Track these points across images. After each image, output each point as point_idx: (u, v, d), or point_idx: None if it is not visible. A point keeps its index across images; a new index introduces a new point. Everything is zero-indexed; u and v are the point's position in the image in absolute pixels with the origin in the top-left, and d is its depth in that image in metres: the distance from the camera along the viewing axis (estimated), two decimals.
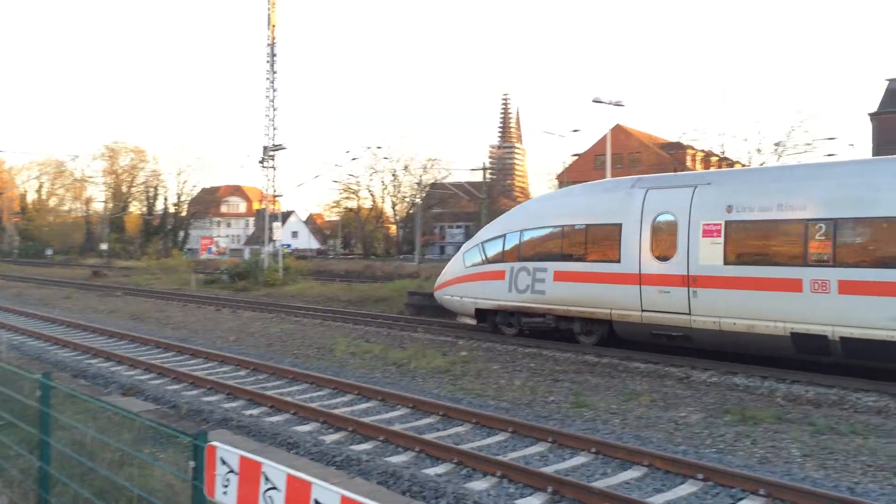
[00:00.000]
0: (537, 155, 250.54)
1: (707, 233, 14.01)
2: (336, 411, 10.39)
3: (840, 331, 12.17)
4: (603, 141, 39.12)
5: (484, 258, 18.34)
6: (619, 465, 8.08)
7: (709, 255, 13.93)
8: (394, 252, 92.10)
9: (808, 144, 58.14)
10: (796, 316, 12.69)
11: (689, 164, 77.17)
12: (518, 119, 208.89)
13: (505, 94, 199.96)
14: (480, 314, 18.68)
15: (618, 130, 76.76)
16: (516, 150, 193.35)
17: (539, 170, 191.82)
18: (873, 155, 54.87)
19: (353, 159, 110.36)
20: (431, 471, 7.91)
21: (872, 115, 56.20)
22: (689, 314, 14.16)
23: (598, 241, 16.00)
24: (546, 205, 18.31)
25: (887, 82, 56.03)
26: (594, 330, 16.39)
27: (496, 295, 17.91)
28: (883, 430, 9.78)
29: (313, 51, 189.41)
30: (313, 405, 10.77)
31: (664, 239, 14.74)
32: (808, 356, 13.08)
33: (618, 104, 35.04)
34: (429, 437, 9.08)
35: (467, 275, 18.72)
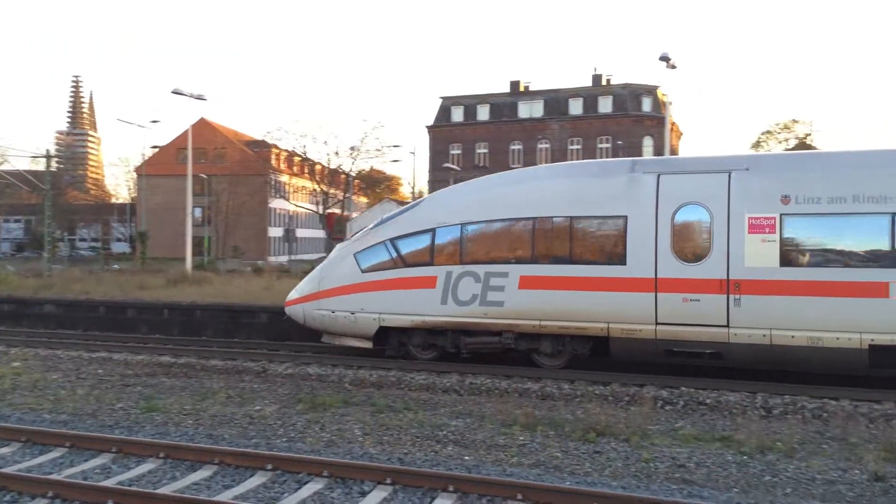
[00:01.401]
0: (114, 145, 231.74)
1: (755, 228, 11.84)
2: None
3: None
4: (186, 134, 37.80)
5: (397, 260, 14.09)
6: (189, 467, 7.87)
7: (758, 255, 11.78)
8: None
9: (378, 150, 63.56)
10: (878, 326, 11.11)
11: (273, 162, 78.72)
12: (92, 104, 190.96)
13: (76, 76, 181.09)
14: (381, 334, 14.44)
15: (202, 125, 74.82)
16: (90, 139, 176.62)
17: (116, 161, 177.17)
18: (430, 162, 62.39)
19: None
20: None
21: (429, 128, 63.75)
22: (728, 326, 11.90)
23: (589, 238, 13.00)
24: (502, 191, 14.07)
25: (441, 100, 64.08)
26: (566, 350, 13.38)
27: (421, 308, 13.85)
28: (430, 405, 11.14)
29: None
30: None
31: (691, 235, 12.31)
32: (884, 371, 11.65)
33: (200, 97, 34.16)
34: None
35: (365, 282, 14.26)
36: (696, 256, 12.17)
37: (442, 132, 62.97)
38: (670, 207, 12.38)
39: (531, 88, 63.59)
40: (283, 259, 62.23)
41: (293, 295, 15.46)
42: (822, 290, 11.40)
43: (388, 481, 7.15)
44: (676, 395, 11.41)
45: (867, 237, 11.45)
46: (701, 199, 12.25)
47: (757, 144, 58.74)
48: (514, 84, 63.70)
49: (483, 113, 62.64)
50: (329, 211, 72.04)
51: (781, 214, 11.72)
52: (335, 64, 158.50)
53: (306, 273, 19.19)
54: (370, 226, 15.14)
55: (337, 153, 68.73)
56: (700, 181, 12.40)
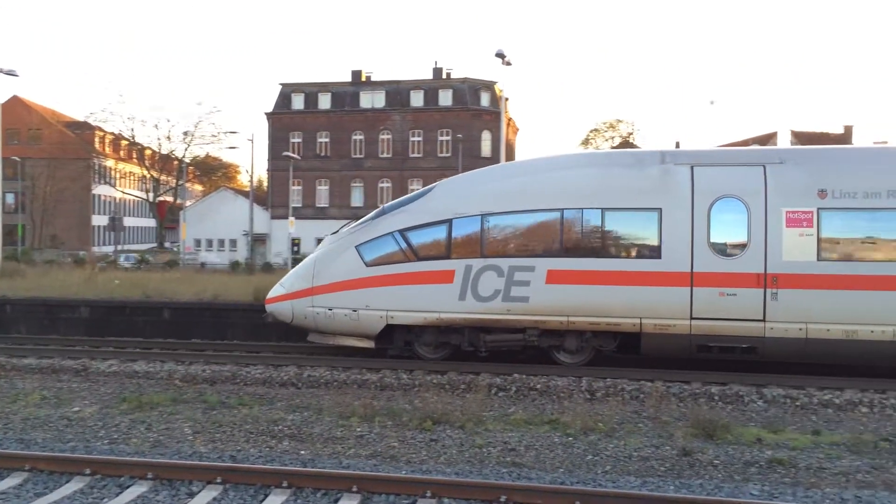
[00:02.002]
0: None
1: (793, 222, 11.91)
2: None
3: None
4: None
5: (408, 253, 13.11)
6: None
7: (796, 249, 11.86)
8: None
9: (214, 136, 61.25)
10: None
11: (97, 145, 73.87)
12: None
13: None
14: (385, 333, 13.36)
15: (15, 103, 68.94)
16: None
17: None
18: (270, 149, 60.86)
19: None
20: None
21: (269, 115, 62.16)
22: (764, 321, 11.92)
23: (622, 231, 12.62)
24: (526, 180, 13.36)
25: (280, 87, 62.61)
26: (589, 346, 12.95)
27: (435, 305, 12.95)
28: (266, 399, 10.90)
29: None
30: None
31: (728, 229, 12.17)
32: None
33: (10, 73, 31.27)
34: None
35: (370, 277, 13.20)
36: (733, 250, 12.12)
37: (282, 119, 61.52)
38: (706, 200, 12.24)
39: (373, 79, 63.50)
40: (109, 249, 58.45)
41: (278, 291, 14.00)
42: (858, 284, 11.61)
43: (219, 480, 6.91)
44: (510, 381, 11.84)
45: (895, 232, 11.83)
46: (737, 192, 12.18)
47: (586, 141, 62.12)
48: (356, 74, 63.35)
49: (324, 101, 61.81)
50: (160, 199, 68.50)
51: (818, 209, 11.85)
52: (167, 45, 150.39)
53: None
54: (369, 216, 14.02)
55: (169, 138, 65.59)
56: (735, 174, 12.37)
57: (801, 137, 52.00)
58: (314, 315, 13.49)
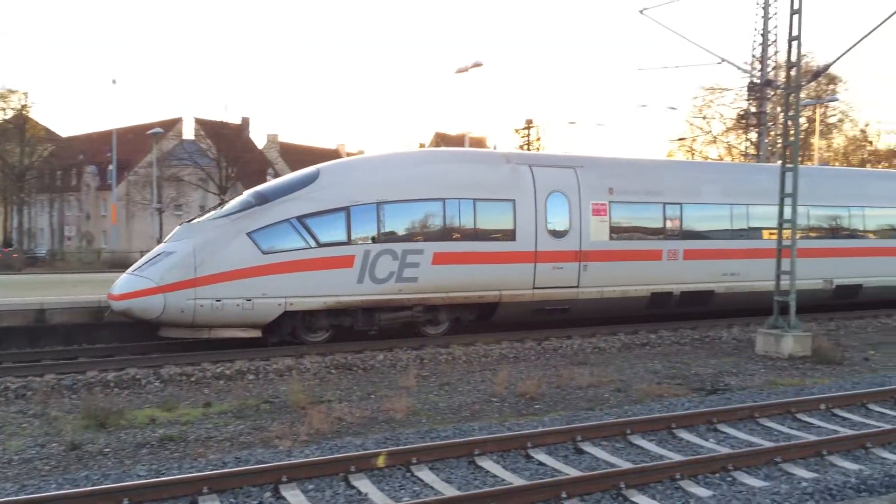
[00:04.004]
0: None
1: (596, 212, 15.58)
2: None
3: (681, 287, 16.52)
4: None
5: (310, 240, 13.16)
6: None
7: (597, 231, 15.56)
8: None
9: None
10: (655, 280, 16.22)
11: None
12: None
13: None
14: (276, 321, 13.13)
15: None
16: None
17: None
18: None
19: None
20: None
21: None
22: (578, 287, 15.33)
23: (489, 218, 14.78)
24: (414, 172, 14.93)
25: None
26: (450, 318, 14.85)
27: (335, 289, 13.33)
28: None
29: None
30: None
31: (558, 216, 15.19)
32: (654, 310, 16.65)
33: None
34: None
35: (269, 265, 12.82)
36: (561, 233, 15.31)
37: None
38: (543, 194, 15.21)
39: None
40: None
41: (141, 284, 12.42)
42: (631, 257, 16.06)
43: None
44: None
45: (650, 219, 16.46)
46: (561, 188, 15.44)
47: None
48: None
49: None
50: None
51: (610, 201, 15.82)
52: None
53: None
54: (239, 202, 13.94)
55: None
56: (559, 174, 15.61)
57: (203, 125, 54.24)
58: (193, 308, 12.60)
